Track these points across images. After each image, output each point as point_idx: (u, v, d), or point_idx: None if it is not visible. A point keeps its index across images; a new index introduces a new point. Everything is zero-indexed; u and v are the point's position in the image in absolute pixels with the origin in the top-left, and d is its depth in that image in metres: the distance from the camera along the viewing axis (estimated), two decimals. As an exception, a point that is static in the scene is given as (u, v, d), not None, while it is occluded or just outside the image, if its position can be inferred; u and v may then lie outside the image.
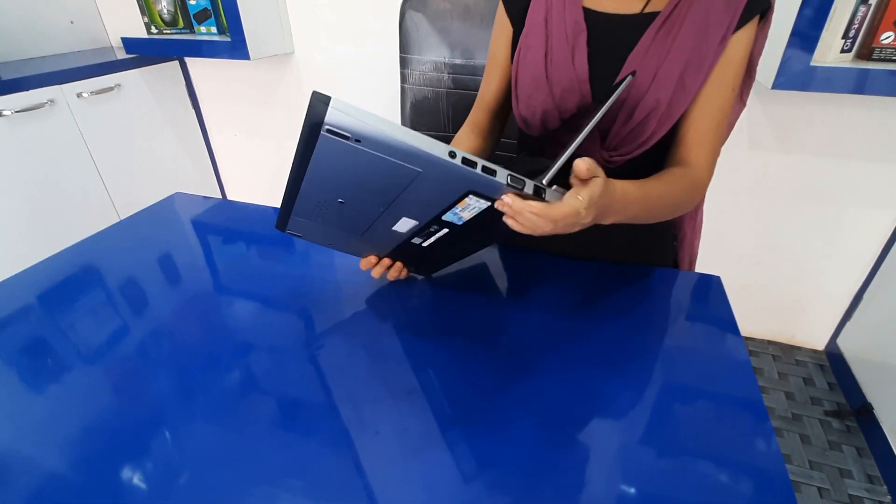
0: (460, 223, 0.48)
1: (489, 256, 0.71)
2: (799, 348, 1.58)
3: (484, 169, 0.40)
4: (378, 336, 0.57)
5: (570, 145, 0.45)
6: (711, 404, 0.48)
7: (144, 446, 0.44)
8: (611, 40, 0.64)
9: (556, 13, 0.66)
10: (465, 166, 0.39)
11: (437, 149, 0.38)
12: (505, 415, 0.46)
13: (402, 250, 0.58)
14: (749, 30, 0.59)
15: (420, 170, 0.40)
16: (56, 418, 0.47)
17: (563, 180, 0.44)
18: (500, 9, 0.72)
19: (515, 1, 0.70)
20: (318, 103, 0.36)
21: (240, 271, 0.70)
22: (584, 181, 0.44)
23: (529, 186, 0.42)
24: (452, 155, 0.39)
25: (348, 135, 0.37)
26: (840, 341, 1.48)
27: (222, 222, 0.84)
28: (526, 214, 0.43)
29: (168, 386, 0.50)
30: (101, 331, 0.58)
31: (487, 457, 0.42)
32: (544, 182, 0.44)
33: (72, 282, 0.67)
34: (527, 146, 0.81)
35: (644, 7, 0.62)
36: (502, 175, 0.40)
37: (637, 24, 0.62)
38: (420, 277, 0.66)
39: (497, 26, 0.74)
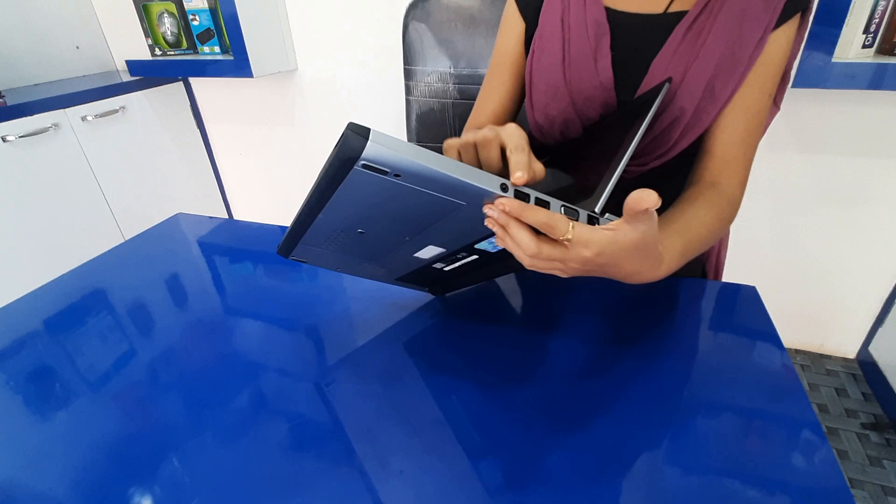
0: (494, 251, 0.45)
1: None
2: (829, 357, 1.51)
3: (537, 201, 0.36)
4: (394, 363, 0.52)
5: (615, 169, 0.42)
6: (763, 425, 0.43)
7: (152, 474, 0.41)
8: (634, 42, 0.59)
9: (574, 12, 0.61)
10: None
11: (490, 183, 0.35)
12: (540, 445, 0.42)
13: (419, 273, 0.54)
14: (789, 28, 0.54)
15: (464, 203, 0.37)
16: (61, 445, 0.45)
17: (615, 209, 0.40)
18: (510, 6, 0.68)
19: None
20: (355, 137, 0.31)
21: (246, 293, 0.67)
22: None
23: (583, 216, 0.38)
24: (504, 188, 0.35)
25: (387, 170, 0.33)
26: (872, 348, 1.41)
27: (226, 242, 0.81)
28: (518, 228, 0.36)
29: (174, 413, 0.47)
30: (106, 354, 0.56)
31: (526, 493, 0.38)
32: (597, 210, 0.40)
33: (76, 304, 0.66)
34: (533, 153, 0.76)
35: (668, 6, 0.57)
36: (556, 206, 0.37)
37: (662, 24, 0.57)
38: (432, 297, 0.62)
39: (505, 25, 0.69)
